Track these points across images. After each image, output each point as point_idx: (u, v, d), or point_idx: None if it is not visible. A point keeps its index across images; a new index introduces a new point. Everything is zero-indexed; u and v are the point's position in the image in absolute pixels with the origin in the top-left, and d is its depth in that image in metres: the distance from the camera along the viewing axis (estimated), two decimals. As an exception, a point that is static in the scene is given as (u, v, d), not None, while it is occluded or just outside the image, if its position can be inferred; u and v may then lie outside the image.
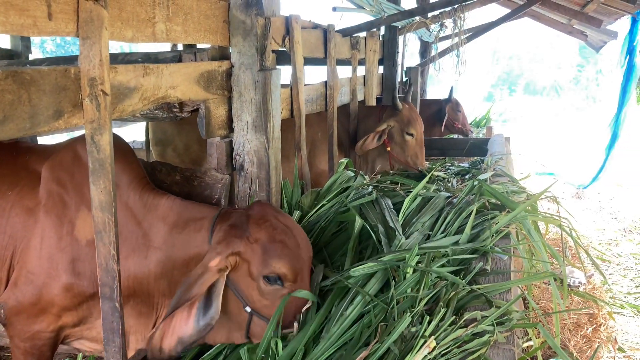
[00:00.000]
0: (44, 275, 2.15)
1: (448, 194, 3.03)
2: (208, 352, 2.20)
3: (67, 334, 2.31)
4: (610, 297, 4.37)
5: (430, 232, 2.65)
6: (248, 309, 2.04)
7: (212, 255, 2.00)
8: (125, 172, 2.27)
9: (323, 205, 2.83)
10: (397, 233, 2.56)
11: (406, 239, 2.53)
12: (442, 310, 1.96)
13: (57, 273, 2.15)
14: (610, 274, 5.00)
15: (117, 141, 2.43)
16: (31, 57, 4.55)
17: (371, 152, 4.82)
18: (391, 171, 4.70)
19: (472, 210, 2.67)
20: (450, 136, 7.18)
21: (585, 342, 3.35)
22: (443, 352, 1.82)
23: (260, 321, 2.06)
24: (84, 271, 2.13)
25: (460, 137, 6.88)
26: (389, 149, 4.68)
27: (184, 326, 1.93)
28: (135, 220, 2.22)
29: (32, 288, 2.16)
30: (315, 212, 2.81)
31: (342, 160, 3.28)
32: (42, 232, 2.16)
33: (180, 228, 2.18)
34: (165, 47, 6.30)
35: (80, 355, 1.93)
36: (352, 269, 2.22)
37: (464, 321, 1.95)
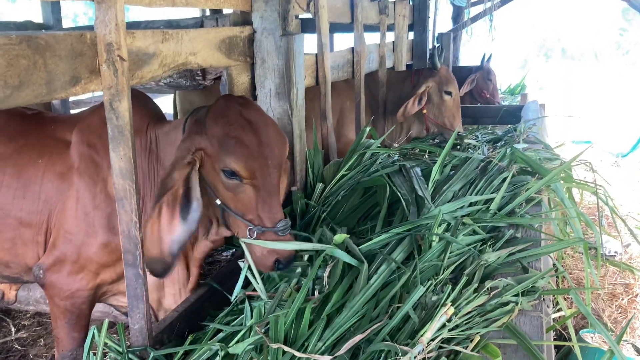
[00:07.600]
0: (82, 233, 2.22)
1: (482, 156, 2.95)
2: (225, 330, 2.18)
3: (104, 291, 2.38)
4: (648, 268, 4.23)
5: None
6: (218, 202, 2.10)
7: (177, 153, 2.03)
8: (144, 117, 2.30)
9: (344, 175, 2.79)
10: (426, 202, 2.50)
11: (436, 208, 2.46)
12: (465, 278, 1.91)
13: (94, 230, 2.22)
14: (649, 245, 4.83)
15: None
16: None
17: (407, 118, 4.73)
18: (426, 135, 4.63)
19: (507, 177, 2.59)
20: None
21: (620, 313, 3.26)
22: (465, 321, 1.78)
23: (231, 214, 2.10)
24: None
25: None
26: (424, 111, 4.57)
27: (171, 227, 1.98)
28: (156, 156, 2.27)
29: (71, 247, 2.24)
30: (337, 182, 2.77)
31: (364, 128, 3.19)
32: (77, 194, 2.23)
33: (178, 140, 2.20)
34: (195, 13, 6.25)
35: (106, 321, 1.95)
36: (376, 237, 2.18)
37: (487, 289, 1.89)
